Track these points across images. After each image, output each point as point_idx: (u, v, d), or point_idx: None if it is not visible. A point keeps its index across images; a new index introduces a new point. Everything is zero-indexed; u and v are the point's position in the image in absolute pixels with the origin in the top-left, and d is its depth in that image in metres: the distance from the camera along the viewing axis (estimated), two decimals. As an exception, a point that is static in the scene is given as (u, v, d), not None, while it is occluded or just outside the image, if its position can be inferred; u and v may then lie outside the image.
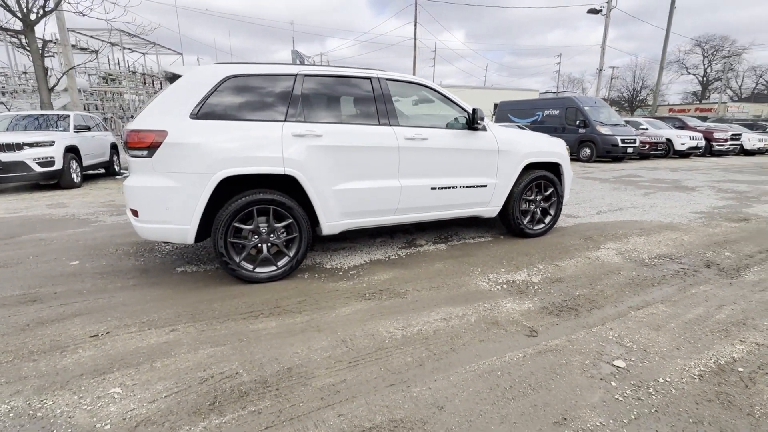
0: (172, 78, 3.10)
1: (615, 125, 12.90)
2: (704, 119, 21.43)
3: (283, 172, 2.95)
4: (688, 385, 1.93)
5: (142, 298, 2.81)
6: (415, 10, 32.74)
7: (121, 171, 10.49)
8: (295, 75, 3.11)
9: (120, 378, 1.93)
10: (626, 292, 2.98)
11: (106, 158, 9.79)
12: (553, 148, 4.20)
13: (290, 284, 3.07)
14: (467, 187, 3.75)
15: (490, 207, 3.98)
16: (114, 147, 10.25)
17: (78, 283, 3.08)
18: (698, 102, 46.20)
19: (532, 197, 4.19)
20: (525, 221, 4.19)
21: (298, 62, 34.13)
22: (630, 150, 12.58)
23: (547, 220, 4.34)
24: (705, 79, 49.98)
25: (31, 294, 2.87)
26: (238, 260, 2.98)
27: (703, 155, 15.66)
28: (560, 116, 13.67)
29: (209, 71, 2.92)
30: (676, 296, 2.90)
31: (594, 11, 19.25)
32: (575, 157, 13.31)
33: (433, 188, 3.58)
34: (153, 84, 34.93)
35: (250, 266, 3.03)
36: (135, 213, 2.83)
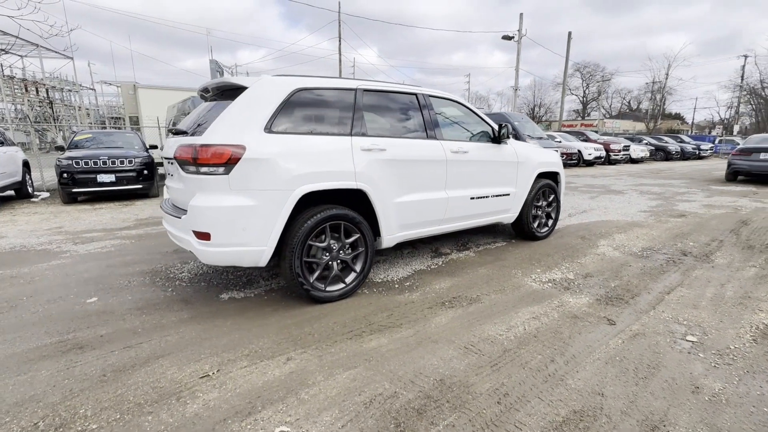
0: (224, 91, 2.88)
1: (540, 138, 14.56)
2: (594, 133, 25.20)
3: (355, 187, 2.91)
4: (752, 347, 2.38)
5: (216, 330, 2.53)
6: (339, 26, 33.29)
7: (35, 193, 8.90)
8: (355, 89, 3.11)
9: (275, 415, 1.76)
10: (647, 280, 3.49)
11: (19, 178, 8.24)
12: (554, 159, 4.72)
13: (361, 300, 3.01)
14: (496, 196, 4.04)
15: (510, 214, 4.32)
16: (26, 165, 8.68)
17: (119, 321, 2.64)
18: (581, 118, 54.15)
19: (539, 203, 4.64)
20: (535, 225, 4.62)
21: (218, 73, 32.34)
22: (553, 160, 14.32)
23: (550, 223, 4.83)
24: (585, 98, 58.70)
25: (71, 340, 2.39)
26: (311, 280, 2.84)
27: (603, 163, 18.41)
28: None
29: (279, 83, 2.78)
30: (686, 280, 3.49)
31: (508, 38, 21.71)
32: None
33: (472, 198, 3.79)
34: (37, 92, 29.92)
35: (321, 285, 2.91)
36: (205, 237, 2.54)
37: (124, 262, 3.95)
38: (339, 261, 2.99)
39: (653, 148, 21.87)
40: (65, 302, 2.95)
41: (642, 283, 3.41)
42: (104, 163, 7.56)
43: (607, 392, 1.94)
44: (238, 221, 2.54)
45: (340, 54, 34.09)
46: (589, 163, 17.46)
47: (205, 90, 3.06)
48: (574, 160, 16.58)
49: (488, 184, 3.94)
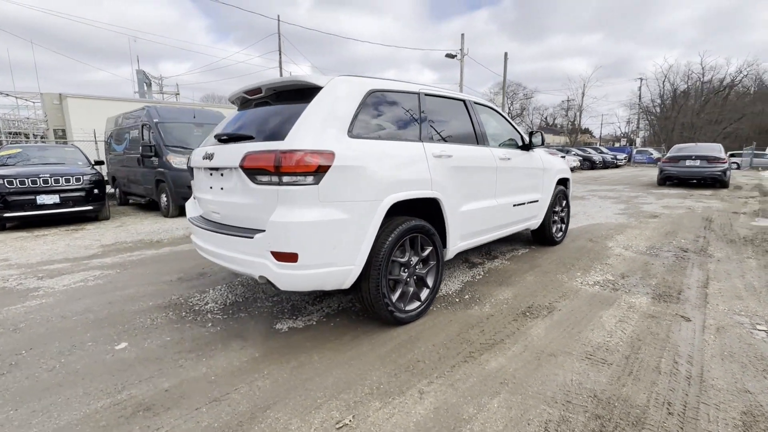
0: (281, 93, 2.54)
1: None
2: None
3: (431, 195, 2.71)
4: None
5: (309, 368, 2.14)
6: (279, 39, 32.59)
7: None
8: (418, 93, 2.93)
9: (458, 463, 1.49)
10: (676, 276, 3.70)
11: None
12: (566, 165, 4.90)
13: (438, 318, 2.78)
14: (530, 202, 4.06)
15: (537, 220, 4.37)
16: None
17: (177, 369, 2.13)
18: (510, 133, 58.64)
19: (556, 209, 4.77)
20: (553, 231, 4.73)
21: (146, 84, 29.59)
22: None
23: (563, 228, 4.99)
24: (510, 115, 63.72)
25: (128, 400, 1.86)
26: (394, 300, 2.56)
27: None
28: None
29: (354, 83, 2.51)
30: (709, 274, 3.75)
31: (450, 56, 22.84)
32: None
33: (514, 205, 3.76)
34: None
35: (401, 305, 2.63)
36: (290, 258, 2.15)
37: (127, 296, 3.29)
38: (415, 277, 2.74)
39: (581, 158, 24.19)
40: (87, 352, 2.33)
41: (675, 279, 3.60)
42: (45, 182, 6.41)
43: (751, 388, 1.95)
44: (330, 238, 2.20)
45: (281, 67, 33.32)
46: (533, 173, 18.77)
47: (254, 91, 2.67)
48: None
49: (525, 190, 3.95)
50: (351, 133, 2.35)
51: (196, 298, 3.24)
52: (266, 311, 2.96)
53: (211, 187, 2.68)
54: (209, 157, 2.55)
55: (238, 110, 3.01)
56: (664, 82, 46.77)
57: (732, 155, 26.36)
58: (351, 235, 2.27)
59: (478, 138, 3.39)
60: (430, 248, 2.80)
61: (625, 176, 18.62)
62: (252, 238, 2.24)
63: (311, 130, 2.21)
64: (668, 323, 2.68)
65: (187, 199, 7.63)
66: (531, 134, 4.03)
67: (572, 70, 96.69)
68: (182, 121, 8.23)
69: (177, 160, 7.47)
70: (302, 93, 2.45)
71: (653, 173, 21.50)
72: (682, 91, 46.49)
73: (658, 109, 48.32)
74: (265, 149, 2.19)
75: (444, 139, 3.03)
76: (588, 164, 24.88)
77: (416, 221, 2.63)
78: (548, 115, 65.30)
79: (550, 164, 4.42)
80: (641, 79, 46.98)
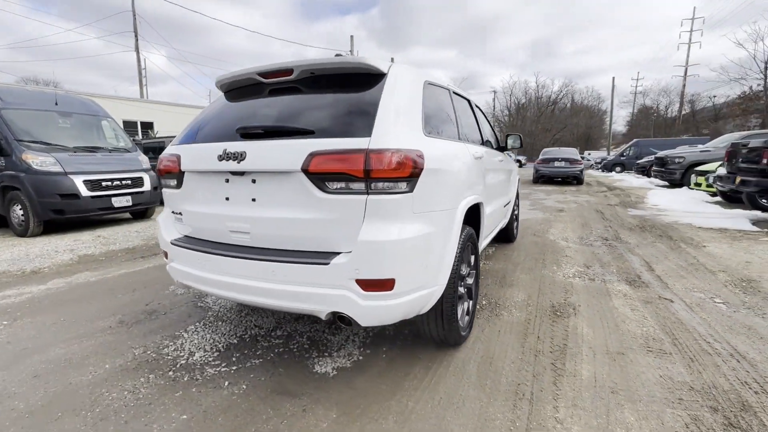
0: (318, 77, 2.02)
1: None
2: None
3: (480, 200, 2.52)
4: (754, 294, 3.24)
5: (420, 421, 1.73)
6: (134, 18, 27.68)
7: None
8: (448, 89, 2.69)
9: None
10: (624, 262, 4.28)
11: None
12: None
13: (483, 331, 2.61)
14: (508, 203, 4.19)
15: (507, 219, 4.55)
16: None
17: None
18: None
19: (514, 207, 5.06)
20: (514, 228, 5.01)
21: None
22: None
23: (517, 225, 5.32)
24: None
25: None
26: (458, 317, 2.29)
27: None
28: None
29: (414, 73, 2.14)
30: (643, 258, 4.44)
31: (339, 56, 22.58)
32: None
33: (504, 205, 3.82)
34: None
35: (462, 322, 2.38)
36: (384, 286, 1.68)
37: (59, 361, 2.23)
38: (466, 289, 2.52)
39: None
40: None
41: (625, 265, 4.15)
42: None
43: (773, 356, 2.30)
44: (424, 256, 1.82)
45: (138, 53, 28.31)
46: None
47: (279, 73, 2.06)
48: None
49: (507, 191, 4.06)
50: (425, 131, 2.00)
51: (172, 348, 2.39)
52: (282, 351, 2.35)
53: (227, 198, 1.98)
54: (235, 157, 1.86)
55: (235, 99, 2.31)
56: (510, 95, 55.48)
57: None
58: (438, 251, 1.93)
59: (482, 138, 3.32)
60: (473, 256, 2.61)
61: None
62: (327, 264, 1.70)
63: (394, 126, 1.79)
64: (665, 305, 3.03)
65: (58, 211, 5.78)
66: (508, 136, 4.16)
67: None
68: (38, 109, 6.21)
69: (39, 160, 5.61)
70: (354, 79, 1.99)
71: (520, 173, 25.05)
72: (522, 103, 55.82)
73: (507, 118, 56.89)
74: (347, 148, 1.68)
75: (471, 140, 2.87)
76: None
77: (469, 228, 2.41)
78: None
79: (514, 166, 4.66)
80: (494, 92, 54.69)
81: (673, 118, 42.99)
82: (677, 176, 11.64)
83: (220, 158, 1.90)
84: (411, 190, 1.74)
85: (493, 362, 2.22)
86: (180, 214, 2.20)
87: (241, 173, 1.91)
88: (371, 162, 1.65)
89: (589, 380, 2.04)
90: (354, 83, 1.99)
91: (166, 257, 2.29)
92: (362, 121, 1.78)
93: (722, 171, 8.18)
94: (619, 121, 61.59)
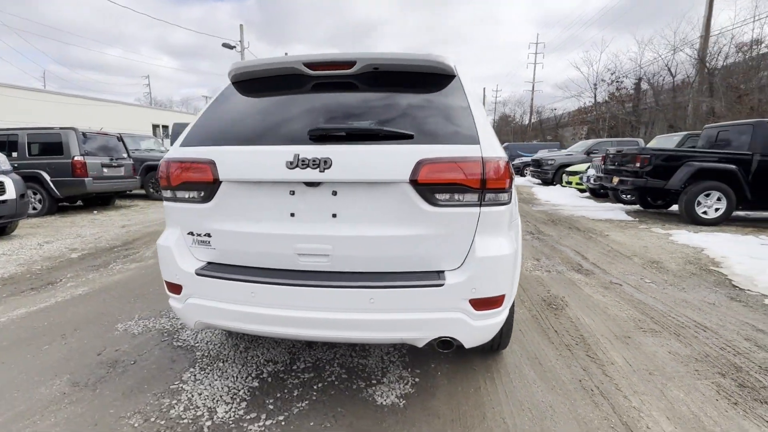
0: (384, 72, 1.80)
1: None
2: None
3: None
4: (638, 273, 4.05)
5: (519, 437, 1.66)
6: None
7: None
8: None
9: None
10: (560, 253, 4.91)
11: None
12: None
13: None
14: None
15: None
16: None
17: None
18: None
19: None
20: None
21: None
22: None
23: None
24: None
25: None
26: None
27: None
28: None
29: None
30: (572, 247, 5.15)
31: (229, 46, 20.61)
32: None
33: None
34: None
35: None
36: (495, 303, 1.56)
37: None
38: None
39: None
40: None
41: (563, 256, 4.76)
42: None
43: (699, 318, 2.90)
44: (517, 268, 1.76)
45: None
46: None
47: (335, 65, 1.74)
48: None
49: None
50: (493, 138, 1.94)
51: (180, 408, 1.86)
52: (323, 387, 2.04)
53: (292, 215, 1.60)
54: (314, 164, 1.51)
55: (259, 93, 1.90)
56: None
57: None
58: (518, 262, 1.90)
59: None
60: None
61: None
62: (441, 285, 1.52)
63: (491, 133, 1.69)
64: (619, 290, 3.56)
65: None
66: None
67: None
68: None
69: None
70: (423, 78, 1.82)
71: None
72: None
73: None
74: (462, 155, 1.52)
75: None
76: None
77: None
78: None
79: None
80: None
81: (526, 126, 50.88)
82: (550, 176, 13.84)
83: (291, 165, 1.53)
84: (509, 201, 1.68)
85: (541, 362, 2.29)
86: (207, 235, 1.71)
87: (316, 184, 1.57)
88: (487, 171, 1.53)
89: (626, 366, 2.26)
90: (424, 83, 1.81)
91: (177, 292, 1.76)
92: (458, 126, 1.64)
93: (592, 172, 10.00)
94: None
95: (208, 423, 1.76)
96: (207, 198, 1.67)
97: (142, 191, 9.67)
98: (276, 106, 1.82)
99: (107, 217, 7.36)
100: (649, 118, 24.69)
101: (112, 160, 7.97)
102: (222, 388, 2.02)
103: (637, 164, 6.69)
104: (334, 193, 1.58)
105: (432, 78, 1.82)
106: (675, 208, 7.83)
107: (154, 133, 23.95)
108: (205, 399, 1.93)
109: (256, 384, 2.08)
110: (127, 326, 2.72)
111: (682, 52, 21.73)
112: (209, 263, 1.74)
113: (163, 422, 1.76)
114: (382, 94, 1.81)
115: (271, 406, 1.89)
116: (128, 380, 2.09)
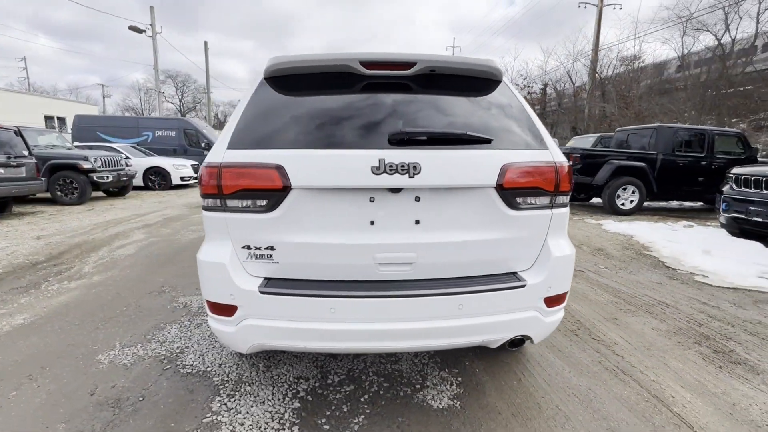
0: (437, 75, 1.78)
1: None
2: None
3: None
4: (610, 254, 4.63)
5: (579, 422, 1.78)
6: None
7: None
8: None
9: None
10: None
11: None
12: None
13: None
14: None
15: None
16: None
17: None
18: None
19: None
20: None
21: None
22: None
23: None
24: (183, 107, 58.69)
25: None
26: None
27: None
28: (178, 138, 12.98)
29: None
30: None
31: (137, 30, 18.13)
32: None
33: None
34: None
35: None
36: (562, 299, 1.65)
37: None
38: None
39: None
40: None
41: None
42: None
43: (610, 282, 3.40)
44: None
45: None
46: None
47: (395, 65, 1.67)
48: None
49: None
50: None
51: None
52: (369, 399, 1.98)
53: (372, 223, 1.50)
54: (403, 169, 1.43)
55: (302, 92, 1.75)
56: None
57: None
58: None
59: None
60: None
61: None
62: (523, 286, 1.56)
63: (548, 136, 1.77)
64: (585, 276, 3.98)
65: None
66: None
67: (231, 71, 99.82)
68: None
69: None
70: (475, 83, 1.84)
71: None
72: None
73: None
74: (540, 160, 1.57)
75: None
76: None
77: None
78: (220, 112, 64.98)
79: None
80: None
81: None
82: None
83: (377, 171, 1.44)
84: (567, 203, 1.78)
85: (560, 349, 2.47)
86: (269, 248, 1.52)
87: (398, 190, 1.50)
88: (559, 174, 1.61)
89: (627, 345, 2.54)
90: (476, 87, 1.82)
91: (228, 314, 1.55)
92: (524, 130, 1.69)
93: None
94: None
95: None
96: (271, 207, 1.50)
97: (47, 195, 8.21)
98: (334, 106, 1.69)
99: (11, 227, 6.11)
100: (554, 120, 27.73)
101: (9, 158, 6.63)
102: (263, 415, 1.84)
103: (570, 162, 7.47)
104: (417, 199, 1.53)
105: (482, 82, 1.85)
106: (595, 200, 8.91)
107: (48, 126, 20.41)
108: (251, 429, 1.74)
109: (297, 405, 1.93)
110: (112, 357, 2.32)
111: (579, 62, 24.74)
112: (268, 279, 1.56)
113: None
114: (436, 96, 1.78)
115: (326, 426, 1.77)
116: (147, 421, 1.79)
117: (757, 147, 9.30)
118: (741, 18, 17.13)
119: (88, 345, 2.44)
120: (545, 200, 1.62)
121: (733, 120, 16.97)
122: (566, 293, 1.72)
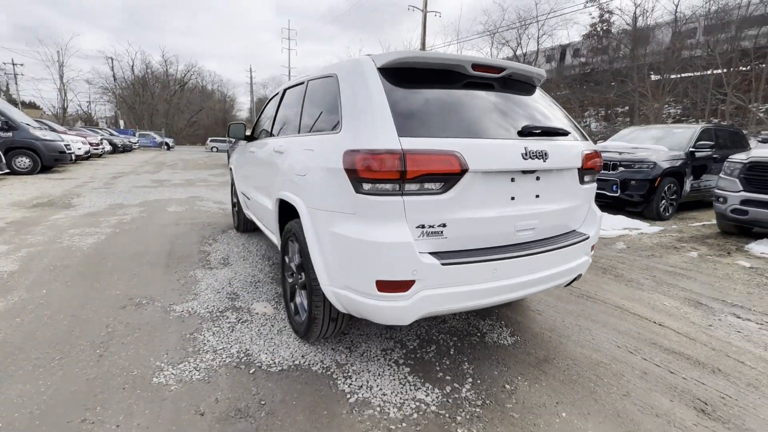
0: (507, 79, 2.25)
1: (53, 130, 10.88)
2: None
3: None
4: None
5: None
6: None
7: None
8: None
9: None
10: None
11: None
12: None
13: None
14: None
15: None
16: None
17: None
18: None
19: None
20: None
21: None
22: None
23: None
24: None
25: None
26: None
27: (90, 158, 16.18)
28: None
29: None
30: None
31: None
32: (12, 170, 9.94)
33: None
34: None
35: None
36: (594, 247, 2.35)
37: None
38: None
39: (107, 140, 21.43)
40: None
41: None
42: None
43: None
44: None
45: None
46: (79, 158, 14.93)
47: (492, 68, 2.03)
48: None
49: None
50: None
51: (397, 412, 1.81)
52: (457, 352, 2.39)
53: (512, 198, 1.87)
54: (539, 155, 1.87)
55: (417, 85, 1.96)
56: (132, 67, 47.53)
57: (213, 140, 33.64)
58: None
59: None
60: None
61: (179, 159, 19.26)
62: (587, 238, 2.21)
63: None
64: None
65: None
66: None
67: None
68: None
69: None
70: (527, 86, 2.36)
71: (189, 156, 23.78)
72: (144, 77, 48.95)
73: (129, 92, 48.53)
74: (595, 147, 2.21)
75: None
76: (111, 148, 22.39)
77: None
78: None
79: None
80: (111, 59, 45.01)
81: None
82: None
83: (525, 156, 1.83)
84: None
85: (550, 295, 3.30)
86: (441, 225, 1.71)
87: (531, 172, 1.92)
88: (597, 159, 2.30)
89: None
90: (526, 89, 2.33)
91: (404, 289, 1.69)
92: (569, 124, 2.31)
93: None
94: (245, 108, 67.71)
95: (433, 408, 1.84)
96: (447, 189, 1.71)
97: None
98: (465, 100, 1.97)
99: None
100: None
101: None
102: (391, 382, 2.02)
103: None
104: (538, 178, 1.98)
105: (530, 85, 2.38)
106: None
107: None
108: (393, 395, 1.92)
109: (407, 370, 2.15)
110: (176, 372, 1.99)
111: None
112: (437, 253, 1.77)
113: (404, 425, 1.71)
114: (515, 95, 2.22)
115: (448, 377, 2.09)
116: (298, 415, 1.75)
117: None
118: (529, 39, 22.59)
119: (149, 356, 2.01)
120: (592, 177, 2.31)
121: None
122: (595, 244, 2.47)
